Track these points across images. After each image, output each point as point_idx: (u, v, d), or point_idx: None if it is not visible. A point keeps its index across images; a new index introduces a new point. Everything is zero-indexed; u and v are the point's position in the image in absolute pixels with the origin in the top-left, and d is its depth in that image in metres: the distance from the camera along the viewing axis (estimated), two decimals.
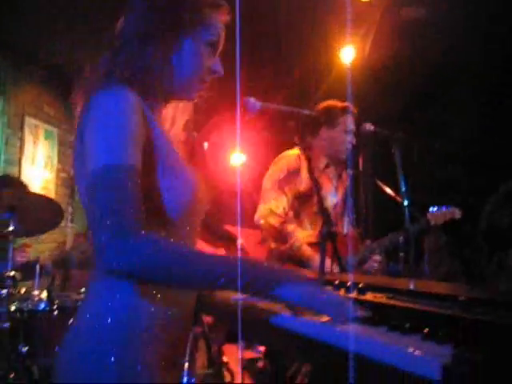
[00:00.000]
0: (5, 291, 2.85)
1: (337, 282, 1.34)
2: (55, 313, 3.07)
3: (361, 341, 0.92)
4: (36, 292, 3.14)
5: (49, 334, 3.08)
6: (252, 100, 1.50)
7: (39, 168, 5.86)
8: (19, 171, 5.41)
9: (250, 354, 3.59)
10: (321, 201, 1.68)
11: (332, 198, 2.93)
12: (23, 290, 3.11)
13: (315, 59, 4.63)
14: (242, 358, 3.28)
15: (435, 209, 3.17)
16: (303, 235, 2.78)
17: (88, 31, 4.63)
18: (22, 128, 5.47)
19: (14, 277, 2.91)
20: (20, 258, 3.39)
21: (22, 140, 5.47)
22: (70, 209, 6.55)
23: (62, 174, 6.45)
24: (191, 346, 2.62)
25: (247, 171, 5.15)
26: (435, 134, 4.89)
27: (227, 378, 3.23)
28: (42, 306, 3.06)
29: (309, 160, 2.02)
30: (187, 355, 2.53)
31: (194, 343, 2.80)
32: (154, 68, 1.21)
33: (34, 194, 3.43)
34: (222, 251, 2.58)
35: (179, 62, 1.25)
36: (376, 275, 2.83)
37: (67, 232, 6.04)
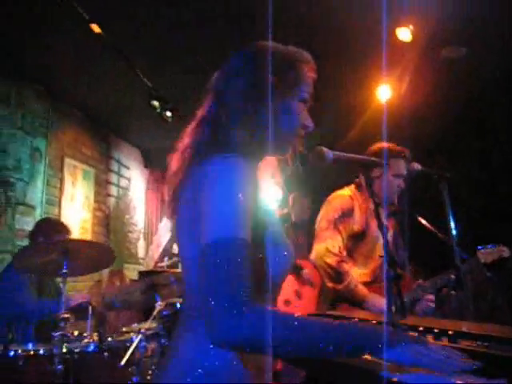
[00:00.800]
0: (59, 333, 2.88)
1: (421, 329, 1.34)
2: (105, 354, 3.09)
3: None
4: (87, 333, 3.18)
5: (98, 375, 3.11)
6: (325, 149, 1.53)
7: (77, 207, 5.97)
8: (59, 211, 5.52)
9: None
10: (386, 243, 1.69)
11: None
12: (76, 333, 3.14)
13: (352, 97, 4.71)
14: None
15: (485, 248, 3.15)
16: (356, 274, 2.79)
17: (121, 78, 4.82)
18: (61, 169, 5.61)
19: (67, 318, 2.95)
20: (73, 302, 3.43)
21: (61, 180, 5.60)
22: None
23: (98, 213, 6.55)
24: None
25: None
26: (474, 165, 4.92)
27: None
28: (92, 347, 3.08)
29: (376, 205, 2.04)
30: None
31: None
32: (264, 130, 1.24)
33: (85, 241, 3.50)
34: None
35: (283, 121, 1.28)
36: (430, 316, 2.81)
37: (102, 270, 6.10)
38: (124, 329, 3.53)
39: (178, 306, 3.86)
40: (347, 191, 2.94)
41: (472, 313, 3.53)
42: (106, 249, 3.27)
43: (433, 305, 2.85)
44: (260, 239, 1.16)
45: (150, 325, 3.42)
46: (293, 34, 4.07)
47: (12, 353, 2.89)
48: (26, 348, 2.98)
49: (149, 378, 3.26)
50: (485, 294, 4.22)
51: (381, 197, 2.93)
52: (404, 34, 3.75)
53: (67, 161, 5.72)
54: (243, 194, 1.10)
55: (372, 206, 2.95)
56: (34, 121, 5.10)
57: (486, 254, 3.14)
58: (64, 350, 2.93)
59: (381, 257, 2.69)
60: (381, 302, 2.68)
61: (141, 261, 8.00)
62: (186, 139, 1.30)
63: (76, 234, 5.65)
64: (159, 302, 3.51)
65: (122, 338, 3.31)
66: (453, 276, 2.78)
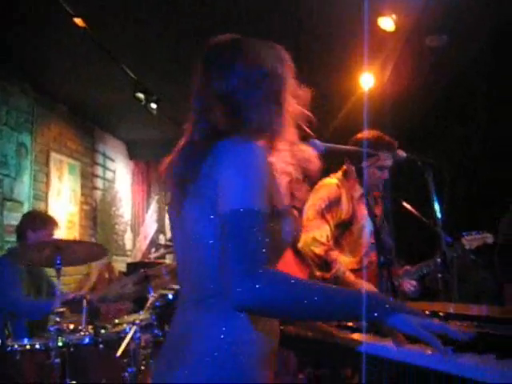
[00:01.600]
0: (55, 327, 2.92)
1: None
2: (100, 346, 3.14)
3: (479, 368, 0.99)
4: (82, 326, 3.22)
5: (94, 368, 3.16)
6: (317, 142, 1.58)
7: (64, 202, 5.97)
8: (46, 206, 5.52)
9: None
10: (377, 231, 1.75)
11: (369, 226, 2.99)
12: (72, 326, 3.17)
13: (334, 85, 4.76)
14: None
15: (469, 234, 3.25)
16: (344, 262, 2.84)
17: (105, 71, 4.83)
18: (47, 163, 5.60)
19: (62, 312, 2.99)
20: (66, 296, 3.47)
21: (48, 175, 5.60)
22: (93, 240, 6.64)
23: (85, 207, 6.56)
24: None
25: None
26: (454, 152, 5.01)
27: None
28: (87, 340, 3.12)
29: (366, 194, 2.10)
30: None
31: None
32: (276, 117, 1.30)
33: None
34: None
35: (285, 109, 1.33)
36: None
37: (91, 264, 6.11)
38: (117, 320, 3.56)
39: (170, 297, 3.92)
40: (334, 179, 2.97)
41: (459, 295, 3.64)
42: (98, 246, 3.30)
43: (413, 289, 2.94)
44: (274, 212, 1.24)
45: (143, 316, 3.47)
46: (276, 23, 4.13)
47: (9, 348, 2.93)
48: (22, 343, 3.01)
49: (143, 368, 3.31)
50: (470, 276, 4.32)
51: (368, 185, 2.98)
52: (386, 23, 3.80)
53: (53, 155, 5.71)
54: (264, 174, 1.20)
55: (359, 195, 3.01)
56: (19, 116, 5.08)
57: (471, 240, 3.23)
58: (60, 344, 2.97)
59: (372, 244, 2.76)
60: (369, 287, 2.74)
61: (128, 253, 8.03)
62: (190, 128, 1.34)
63: (63, 228, 5.66)
64: (152, 294, 3.55)
65: (117, 329, 3.34)
66: (439, 260, 2.86)
